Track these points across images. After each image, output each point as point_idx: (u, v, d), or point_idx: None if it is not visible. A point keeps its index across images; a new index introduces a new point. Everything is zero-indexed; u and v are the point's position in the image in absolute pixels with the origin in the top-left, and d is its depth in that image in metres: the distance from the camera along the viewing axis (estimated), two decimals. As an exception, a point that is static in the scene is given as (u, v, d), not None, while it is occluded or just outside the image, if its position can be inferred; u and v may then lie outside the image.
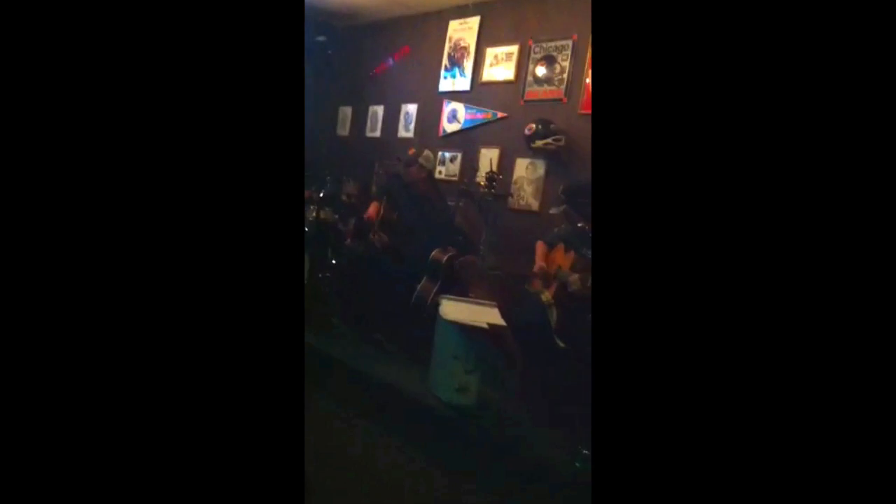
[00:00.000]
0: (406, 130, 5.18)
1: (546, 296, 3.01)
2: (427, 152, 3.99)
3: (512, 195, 4.18)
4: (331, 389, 3.11)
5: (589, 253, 2.97)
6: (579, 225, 2.98)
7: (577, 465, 2.35)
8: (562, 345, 2.84)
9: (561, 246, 3.18)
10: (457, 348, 2.80)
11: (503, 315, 2.96)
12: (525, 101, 4.23)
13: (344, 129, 5.90)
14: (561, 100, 3.99)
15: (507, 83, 4.37)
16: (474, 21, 4.66)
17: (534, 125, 3.92)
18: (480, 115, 4.54)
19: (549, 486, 2.35)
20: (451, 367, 2.80)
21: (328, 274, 4.74)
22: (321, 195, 4.34)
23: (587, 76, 3.83)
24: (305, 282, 4.37)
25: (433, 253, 3.71)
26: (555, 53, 4.06)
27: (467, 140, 4.64)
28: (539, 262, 3.18)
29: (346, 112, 5.88)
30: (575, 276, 2.86)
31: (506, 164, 4.27)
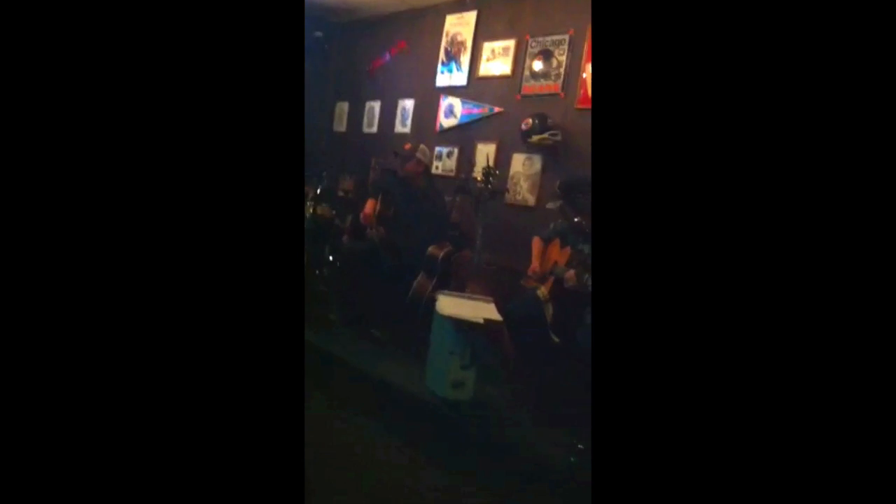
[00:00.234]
0: (403, 126, 5.16)
1: (542, 291, 3.01)
2: (423, 147, 3.98)
3: (508, 190, 4.17)
4: (327, 386, 3.11)
5: (585, 248, 2.96)
6: (576, 220, 2.98)
7: (573, 459, 2.35)
8: (557, 340, 2.84)
9: (557, 241, 3.18)
10: (453, 344, 2.80)
11: (499, 310, 2.96)
12: (522, 96, 4.22)
13: (341, 125, 5.89)
14: (558, 94, 3.98)
15: (503, 78, 4.36)
16: (471, 16, 4.64)
17: (530, 120, 3.91)
18: (477, 111, 4.53)
19: (547, 484, 2.35)
20: (447, 363, 2.80)
21: (325, 270, 4.74)
22: (318, 191, 4.33)
23: (584, 71, 3.82)
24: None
25: (430, 248, 3.71)
26: (551, 48, 4.05)
27: (464, 135, 4.63)
28: (535, 262, 3.18)
29: (343, 108, 5.86)
30: (571, 272, 2.86)
31: (502, 160, 4.26)
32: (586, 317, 2.72)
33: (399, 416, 2.87)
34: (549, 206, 3.24)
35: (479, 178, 3.63)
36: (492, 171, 3.60)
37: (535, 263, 3.19)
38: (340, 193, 5.19)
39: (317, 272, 4.68)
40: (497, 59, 4.42)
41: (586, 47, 3.81)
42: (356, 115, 5.69)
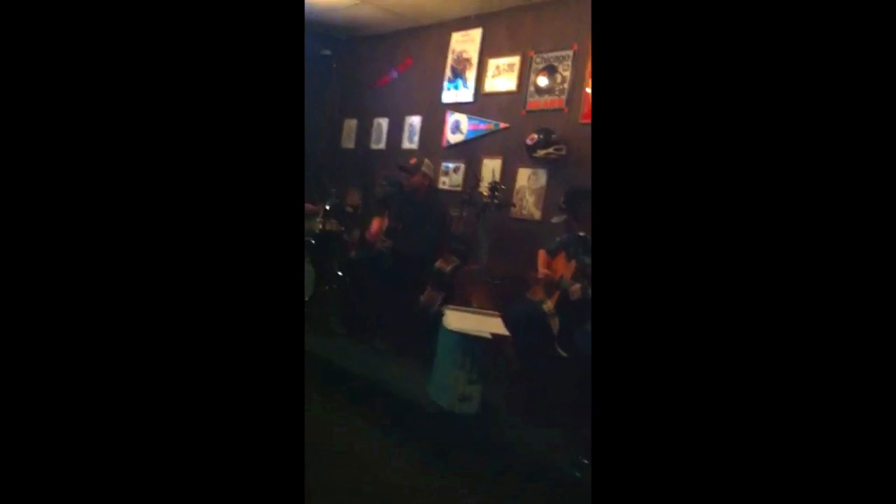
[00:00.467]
0: (410, 142, 5.21)
1: (548, 305, 3.02)
2: (427, 161, 4.04)
3: (514, 204, 4.19)
4: (334, 396, 3.13)
5: (590, 261, 2.97)
6: (581, 234, 2.99)
7: (577, 475, 2.35)
8: (563, 354, 2.85)
9: (563, 254, 3.20)
10: (459, 358, 2.81)
11: (505, 324, 2.97)
12: (527, 112, 4.25)
13: (349, 142, 5.94)
14: (562, 109, 4.01)
15: (508, 94, 4.40)
16: (476, 33, 4.70)
17: (535, 135, 3.93)
18: (483, 126, 4.57)
19: (548, 490, 2.35)
20: (454, 377, 2.81)
21: (334, 286, 4.77)
22: (326, 207, 4.37)
23: (588, 86, 3.85)
24: (311, 293, 4.40)
25: (437, 263, 3.73)
26: (556, 63, 4.09)
27: (470, 150, 4.67)
28: (541, 275, 3.19)
29: (351, 124, 5.92)
30: (576, 286, 2.87)
31: (508, 174, 4.29)
32: (587, 324, 2.72)
33: (400, 420, 2.89)
34: (555, 220, 3.26)
35: (485, 193, 3.66)
36: (498, 186, 3.63)
37: (541, 276, 3.20)
38: (348, 209, 5.23)
39: (325, 287, 4.71)
40: (502, 76, 4.46)
41: (590, 62, 3.84)
42: (364, 132, 5.75)
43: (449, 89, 4.87)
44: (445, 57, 4.91)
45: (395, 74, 5.44)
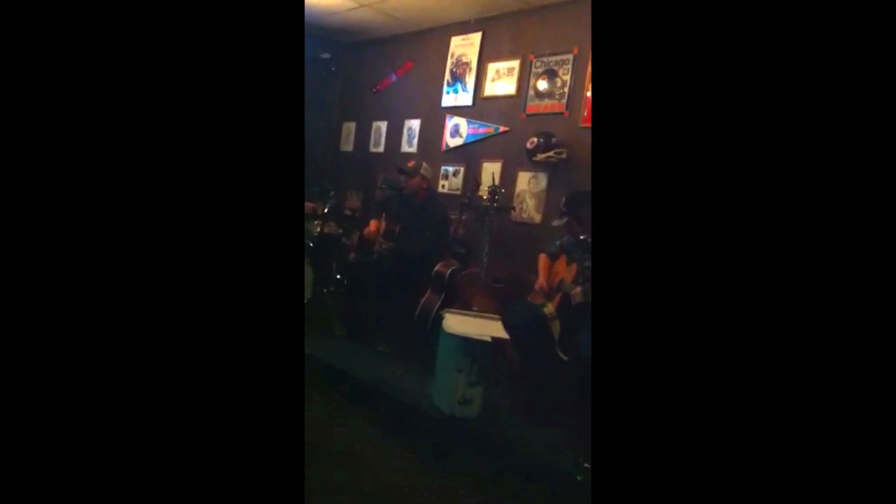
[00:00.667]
0: (409, 145, 5.22)
1: (549, 308, 3.01)
2: (425, 164, 4.05)
3: (514, 208, 4.20)
4: (335, 398, 3.13)
5: (591, 264, 2.98)
6: (582, 237, 3.00)
7: (579, 478, 2.34)
8: (564, 357, 2.84)
9: (563, 258, 3.20)
10: (460, 361, 2.80)
11: (506, 328, 2.97)
12: (526, 115, 4.26)
13: (348, 145, 5.95)
14: (562, 113, 4.02)
15: (508, 97, 4.41)
16: (476, 37, 4.71)
17: (535, 139, 3.94)
18: (483, 130, 4.57)
19: (548, 492, 2.35)
20: (454, 380, 2.80)
21: (332, 289, 4.76)
22: (325, 210, 4.37)
23: (588, 89, 3.86)
24: (310, 296, 4.39)
25: (437, 266, 3.74)
26: (556, 67, 4.10)
27: (470, 154, 4.68)
28: (541, 278, 3.19)
29: (350, 128, 5.93)
30: (577, 289, 2.87)
31: (508, 178, 4.30)
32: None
33: (401, 423, 2.89)
34: (556, 223, 3.26)
35: (484, 197, 3.67)
36: (497, 189, 3.63)
37: (541, 279, 3.20)
38: (347, 212, 5.23)
39: (325, 290, 4.71)
40: (502, 80, 4.47)
41: (590, 66, 3.85)
42: (363, 135, 5.75)
43: (448, 93, 4.88)
44: (445, 61, 4.92)
45: (394, 78, 5.45)
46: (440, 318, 3.12)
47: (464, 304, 3.45)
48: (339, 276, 4.80)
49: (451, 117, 4.82)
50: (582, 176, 3.84)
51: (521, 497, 2.36)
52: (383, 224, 4.06)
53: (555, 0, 4.11)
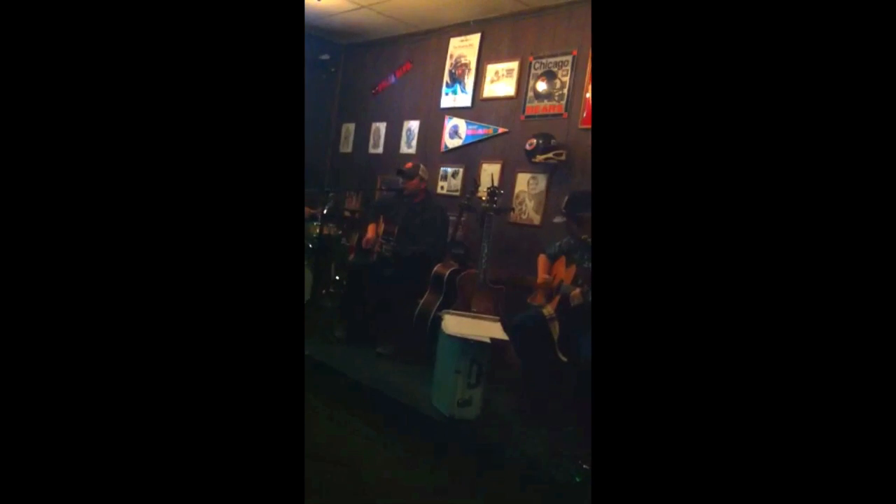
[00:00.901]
0: (408, 146, 5.22)
1: (548, 309, 3.01)
2: (422, 166, 4.06)
3: (513, 209, 4.20)
4: (334, 400, 3.13)
5: (590, 265, 2.97)
6: (583, 237, 3.00)
7: (578, 480, 2.34)
8: (564, 359, 2.84)
9: (563, 259, 3.20)
10: (459, 362, 2.80)
11: (505, 329, 2.97)
12: (526, 117, 4.26)
13: (347, 146, 5.95)
14: (561, 115, 4.02)
15: (507, 99, 4.41)
16: (475, 38, 4.71)
17: (535, 140, 3.94)
18: (482, 131, 4.58)
19: (548, 494, 2.35)
20: (453, 382, 2.80)
21: (332, 290, 4.77)
22: (325, 211, 4.37)
23: (587, 91, 3.86)
24: (309, 297, 4.39)
25: (436, 267, 3.73)
26: (555, 69, 4.10)
27: (469, 155, 4.68)
28: (540, 279, 3.19)
29: (350, 129, 5.93)
30: (576, 291, 2.87)
31: (507, 179, 4.30)
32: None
33: (402, 425, 2.90)
34: (557, 220, 3.25)
35: (484, 198, 3.67)
36: (497, 191, 3.63)
37: (540, 281, 3.20)
38: (346, 213, 5.23)
39: (323, 291, 4.71)
40: (501, 81, 4.47)
41: (589, 68, 3.85)
42: (362, 136, 5.76)
43: (447, 94, 4.89)
44: (444, 62, 4.92)
45: (393, 79, 5.45)
46: (439, 320, 3.12)
47: (463, 306, 3.45)
48: (338, 278, 4.80)
49: (450, 118, 4.83)
50: (581, 177, 3.84)
51: (521, 499, 2.36)
52: (381, 227, 4.06)
53: (554, 1, 4.11)
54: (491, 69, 4.55)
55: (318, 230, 4.40)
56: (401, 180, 4.03)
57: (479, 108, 4.63)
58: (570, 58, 4.01)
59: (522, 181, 4.23)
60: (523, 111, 4.28)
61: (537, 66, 4.21)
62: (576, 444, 2.53)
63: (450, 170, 4.80)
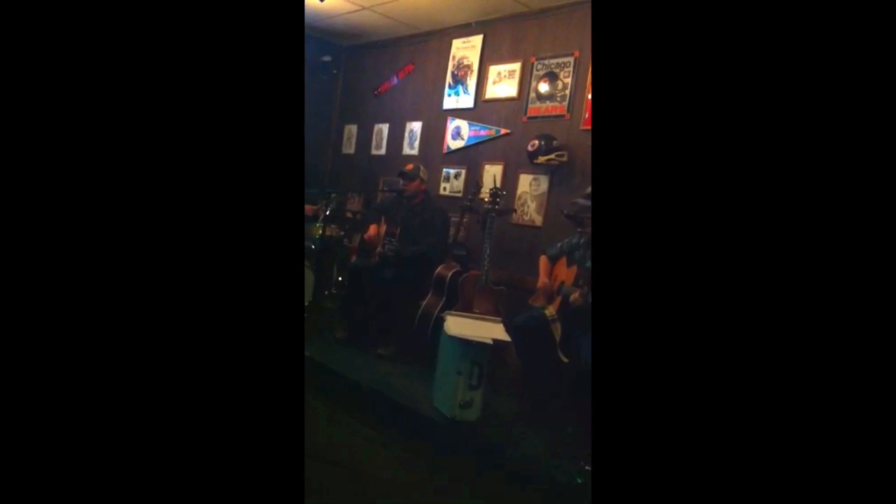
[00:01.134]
0: (410, 148, 5.22)
1: (550, 310, 3.01)
2: (422, 167, 4.07)
3: (515, 210, 4.20)
4: (335, 401, 3.13)
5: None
6: (583, 240, 2.99)
7: (579, 481, 2.34)
8: (565, 360, 2.84)
9: (564, 260, 3.20)
10: (460, 364, 2.80)
11: (507, 330, 2.97)
12: (528, 118, 4.26)
13: (349, 147, 5.96)
14: (563, 116, 4.02)
15: (509, 100, 4.41)
16: (477, 39, 4.71)
17: (537, 141, 3.94)
18: (484, 132, 4.58)
19: (549, 495, 2.35)
20: (455, 383, 2.80)
21: (334, 291, 4.77)
22: (327, 213, 4.38)
23: (589, 92, 3.86)
24: (311, 298, 4.40)
25: (438, 269, 3.74)
26: (557, 70, 4.10)
27: (471, 156, 4.68)
28: (542, 280, 3.19)
29: (352, 130, 5.94)
30: (576, 293, 2.87)
31: (509, 180, 4.30)
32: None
33: (402, 427, 2.90)
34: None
35: (486, 199, 3.67)
36: (499, 192, 3.63)
37: (542, 282, 3.20)
38: (348, 214, 5.24)
39: (325, 292, 4.71)
40: (503, 82, 4.47)
41: (590, 69, 3.85)
42: (364, 138, 5.76)
43: (450, 95, 4.89)
44: (446, 63, 4.93)
45: (395, 80, 5.45)
46: (441, 321, 3.12)
47: (465, 307, 3.45)
48: (340, 279, 4.81)
49: (453, 120, 4.83)
50: (583, 178, 3.84)
51: (521, 499, 2.37)
52: (383, 228, 4.07)
53: (556, 3, 4.11)
54: (493, 70, 4.55)
55: (320, 231, 4.41)
56: (401, 182, 4.03)
57: (481, 110, 4.63)
58: (571, 59, 4.01)
59: (524, 182, 4.23)
60: (525, 112, 4.28)
61: (539, 67, 4.21)
62: (577, 444, 2.53)
63: (452, 171, 4.80)
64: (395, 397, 3.09)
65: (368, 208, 4.98)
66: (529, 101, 4.26)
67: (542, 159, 3.92)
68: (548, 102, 4.14)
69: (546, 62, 4.17)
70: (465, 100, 4.75)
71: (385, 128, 5.52)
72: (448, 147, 4.85)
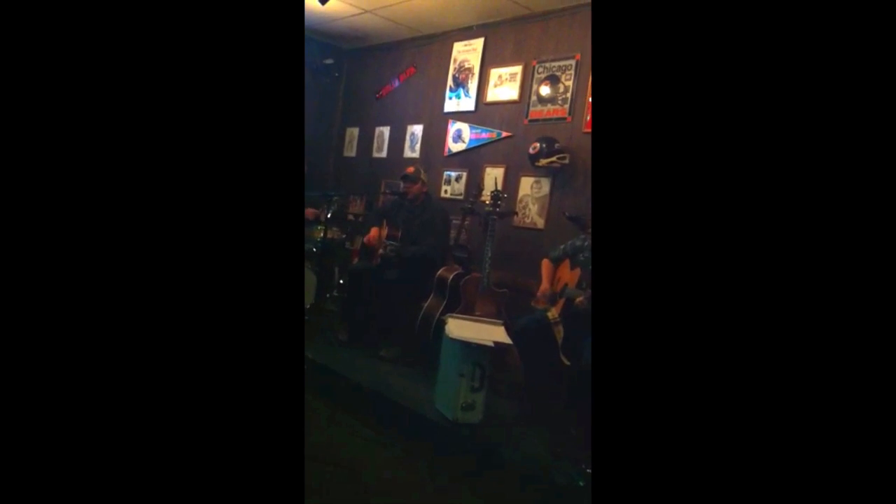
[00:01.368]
0: (412, 150, 5.23)
1: (552, 313, 3.01)
2: (422, 168, 4.08)
3: (517, 213, 4.20)
4: (336, 403, 3.13)
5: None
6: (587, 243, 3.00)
7: (581, 484, 2.34)
8: (567, 362, 2.84)
9: (566, 262, 3.20)
10: (462, 366, 2.80)
11: (509, 333, 2.97)
12: (529, 121, 4.27)
13: (351, 150, 5.97)
14: (565, 118, 4.03)
15: (511, 103, 4.42)
16: (478, 42, 4.72)
17: (538, 144, 3.95)
18: (485, 135, 4.58)
19: (550, 497, 2.34)
20: (457, 385, 2.80)
21: (335, 294, 4.77)
22: (329, 215, 4.38)
23: (590, 95, 3.86)
24: (313, 300, 4.40)
25: (440, 271, 3.74)
26: (558, 73, 4.11)
27: (472, 159, 4.68)
28: (544, 283, 3.19)
29: (353, 133, 5.95)
30: (580, 298, 2.87)
31: (511, 183, 4.30)
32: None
33: (403, 429, 2.90)
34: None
35: (487, 202, 3.67)
36: (500, 195, 3.63)
37: (544, 284, 3.20)
38: (350, 217, 5.24)
39: (327, 294, 4.71)
40: (504, 85, 4.48)
41: (591, 72, 3.86)
42: (366, 141, 5.77)
43: (451, 98, 4.90)
44: (447, 66, 4.94)
45: (397, 83, 5.46)
46: (443, 323, 3.12)
47: (466, 309, 3.45)
48: (341, 281, 4.81)
49: (454, 122, 4.83)
50: (584, 181, 3.84)
51: (521, 499, 2.37)
52: (385, 231, 4.07)
53: (557, 6, 4.12)
54: (494, 73, 4.56)
55: (321, 234, 4.41)
56: (402, 184, 4.04)
57: (483, 113, 4.64)
58: (573, 62, 4.01)
59: (526, 185, 4.23)
60: (527, 115, 4.29)
61: (540, 70, 4.22)
62: (578, 446, 2.53)
63: (453, 174, 4.80)
64: (397, 399, 3.09)
65: (370, 211, 4.99)
66: (531, 103, 4.26)
67: (543, 162, 3.93)
68: (549, 105, 4.15)
69: (547, 65, 4.18)
70: (467, 103, 4.76)
71: (386, 131, 5.53)
72: (449, 150, 4.85)
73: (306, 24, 4.95)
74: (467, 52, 4.80)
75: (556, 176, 4.04)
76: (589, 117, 3.86)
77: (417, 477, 2.49)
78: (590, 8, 3.75)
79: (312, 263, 4.47)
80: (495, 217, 3.55)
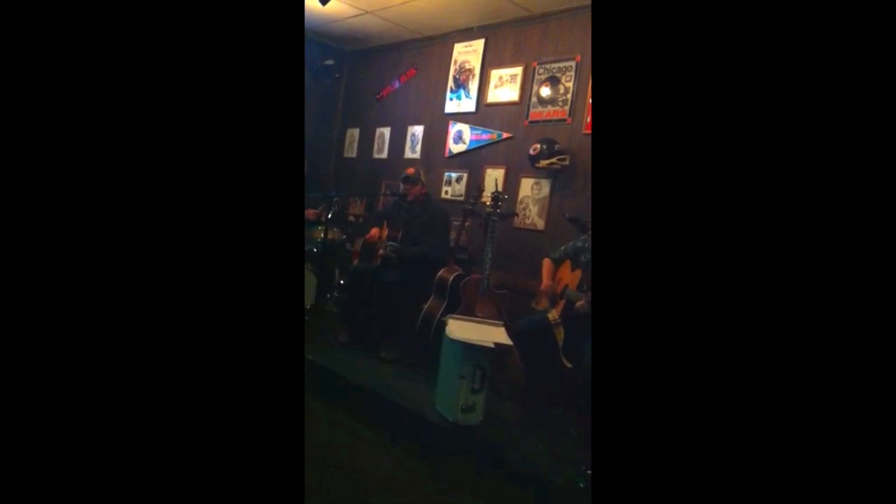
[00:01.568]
0: (412, 151, 5.23)
1: (553, 314, 3.01)
2: (422, 170, 4.09)
3: (517, 214, 4.21)
4: (337, 404, 3.13)
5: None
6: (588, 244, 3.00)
7: (581, 485, 2.34)
8: (568, 364, 2.84)
9: (567, 263, 3.20)
10: (463, 367, 2.80)
11: (509, 334, 2.97)
12: (529, 122, 4.27)
13: (352, 151, 5.97)
14: (565, 120, 4.03)
15: (511, 104, 4.42)
16: (479, 44, 4.73)
17: (538, 145, 3.95)
18: (486, 136, 4.58)
19: (550, 498, 2.35)
20: (457, 387, 2.79)
21: (336, 295, 4.77)
22: (329, 216, 4.38)
23: (591, 96, 3.87)
24: (313, 302, 4.40)
25: (440, 272, 3.74)
26: (558, 74, 4.11)
27: (473, 160, 4.68)
28: (545, 284, 3.19)
29: (354, 134, 5.95)
30: (581, 301, 2.87)
31: (511, 184, 4.30)
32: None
33: (403, 431, 2.90)
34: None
35: (487, 203, 3.67)
36: (500, 196, 3.63)
37: (545, 282, 3.20)
38: (351, 218, 5.25)
39: (328, 296, 4.71)
40: (505, 86, 4.48)
41: (591, 73, 3.86)
42: (367, 142, 5.77)
43: (451, 99, 4.90)
44: (448, 67, 4.94)
45: (397, 84, 5.47)
46: (443, 325, 3.12)
47: (467, 311, 3.45)
48: (342, 283, 4.81)
49: (454, 123, 4.84)
50: (584, 182, 3.84)
51: (523, 502, 2.36)
52: (385, 232, 4.08)
53: (557, 7, 4.12)
54: (495, 74, 4.56)
55: (322, 235, 4.42)
56: (402, 186, 4.04)
57: (483, 114, 4.64)
58: (573, 63, 4.02)
59: (526, 186, 4.23)
60: (527, 116, 4.29)
61: (541, 71, 4.22)
62: (579, 448, 2.53)
63: (454, 175, 4.81)
64: (398, 401, 3.09)
65: (370, 212, 4.99)
66: (531, 105, 4.27)
67: (543, 163, 3.93)
68: (549, 106, 4.15)
69: (548, 66, 4.18)
70: (467, 104, 4.76)
71: (387, 131, 5.53)
72: (450, 151, 4.86)
73: (306, 25, 4.95)
74: (468, 54, 4.80)
75: (557, 177, 4.04)
76: (589, 119, 3.86)
77: (417, 478, 2.49)
78: (590, 9, 3.75)
79: (313, 264, 4.47)
80: (496, 218, 3.55)
